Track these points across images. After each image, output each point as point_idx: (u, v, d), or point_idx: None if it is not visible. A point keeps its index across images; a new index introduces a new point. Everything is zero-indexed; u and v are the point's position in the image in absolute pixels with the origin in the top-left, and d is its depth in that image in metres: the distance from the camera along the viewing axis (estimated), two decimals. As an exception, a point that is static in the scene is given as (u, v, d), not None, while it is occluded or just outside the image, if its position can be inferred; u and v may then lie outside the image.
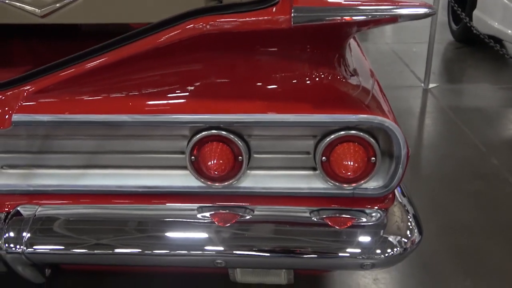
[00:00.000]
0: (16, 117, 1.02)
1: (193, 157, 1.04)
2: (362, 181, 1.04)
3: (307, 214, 1.08)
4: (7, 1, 1.51)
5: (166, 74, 1.02)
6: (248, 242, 1.05)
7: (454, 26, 4.67)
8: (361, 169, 1.02)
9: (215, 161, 1.01)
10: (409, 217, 1.10)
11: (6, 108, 1.03)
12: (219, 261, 1.03)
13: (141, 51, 0.95)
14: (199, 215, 1.07)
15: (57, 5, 1.47)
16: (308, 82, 1.04)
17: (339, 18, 0.89)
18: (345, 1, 0.94)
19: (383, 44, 4.76)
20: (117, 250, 1.05)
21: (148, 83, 1.03)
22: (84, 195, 1.12)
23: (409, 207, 1.13)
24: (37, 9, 1.53)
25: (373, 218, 1.07)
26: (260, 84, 1.04)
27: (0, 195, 1.12)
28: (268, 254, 1.04)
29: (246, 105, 1.01)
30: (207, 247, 1.04)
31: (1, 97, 1.04)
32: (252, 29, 0.93)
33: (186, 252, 1.04)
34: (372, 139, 1.01)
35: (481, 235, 1.95)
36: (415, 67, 3.95)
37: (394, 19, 0.90)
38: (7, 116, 1.02)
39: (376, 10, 0.89)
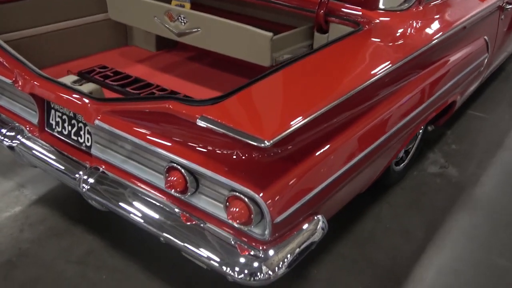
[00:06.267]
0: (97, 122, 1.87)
1: (166, 172, 1.71)
2: (247, 227, 1.57)
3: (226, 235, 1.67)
4: (163, 23, 2.41)
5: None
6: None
7: None
8: (243, 218, 1.54)
9: (170, 180, 1.68)
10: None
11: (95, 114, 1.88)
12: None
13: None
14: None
15: (187, 31, 2.33)
16: (234, 156, 1.59)
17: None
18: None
19: None
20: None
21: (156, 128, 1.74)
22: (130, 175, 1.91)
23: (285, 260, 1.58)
24: (175, 30, 2.39)
25: (252, 251, 1.59)
26: (204, 146, 1.64)
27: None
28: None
29: (189, 153, 1.63)
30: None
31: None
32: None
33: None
34: (251, 204, 1.51)
35: None
36: None
37: None
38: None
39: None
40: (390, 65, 1.96)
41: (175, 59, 2.98)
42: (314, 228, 1.72)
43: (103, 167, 1.96)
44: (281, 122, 1.49)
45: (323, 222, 1.75)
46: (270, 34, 2.13)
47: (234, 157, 1.59)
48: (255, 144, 1.36)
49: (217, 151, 1.62)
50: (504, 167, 3.19)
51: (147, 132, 1.75)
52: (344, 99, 1.68)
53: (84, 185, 1.94)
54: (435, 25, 2.48)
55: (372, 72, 1.88)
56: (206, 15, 2.30)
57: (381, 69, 1.91)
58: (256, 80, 1.70)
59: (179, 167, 1.66)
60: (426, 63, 2.36)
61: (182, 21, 2.36)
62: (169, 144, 1.70)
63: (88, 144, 2.01)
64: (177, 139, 1.69)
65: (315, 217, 1.73)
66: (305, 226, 1.69)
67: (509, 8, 3.34)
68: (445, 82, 2.54)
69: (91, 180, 1.94)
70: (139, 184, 1.86)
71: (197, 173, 1.65)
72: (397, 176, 2.88)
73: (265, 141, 1.36)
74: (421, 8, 2.47)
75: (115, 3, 2.68)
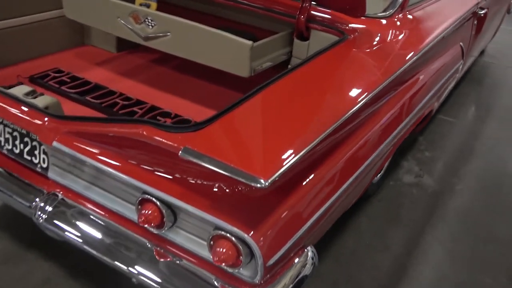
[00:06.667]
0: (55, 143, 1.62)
1: (138, 205, 1.50)
2: (235, 269, 1.38)
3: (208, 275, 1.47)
4: (127, 25, 2.16)
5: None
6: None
7: None
8: (230, 261, 1.35)
9: (143, 213, 1.46)
10: None
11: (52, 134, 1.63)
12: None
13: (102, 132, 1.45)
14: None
15: (153, 35, 2.09)
16: (215, 189, 1.39)
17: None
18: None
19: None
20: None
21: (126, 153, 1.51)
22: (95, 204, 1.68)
23: None
24: (141, 34, 2.15)
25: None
26: (182, 175, 1.43)
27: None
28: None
29: (165, 183, 1.42)
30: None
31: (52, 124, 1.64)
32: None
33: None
34: (240, 244, 1.33)
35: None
36: None
37: None
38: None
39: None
40: (382, 80, 1.81)
41: (139, 61, 2.73)
42: (304, 260, 1.56)
43: (62, 193, 1.72)
44: (276, 157, 1.30)
45: (312, 252, 1.59)
46: (249, 42, 1.93)
47: (216, 189, 1.40)
48: (251, 184, 1.17)
49: (198, 182, 1.42)
50: (477, 174, 3.15)
51: (116, 157, 1.53)
52: (340, 123, 1.51)
53: (40, 213, 1.69)
54: (420, 34, 2.35)
55: (364, 91, 1.72)
56: (177, 18, 2.07)
57: (372, 87, 1.76)
58: (241, 102, 1.51)
59: (153, 199, 1.45)
60: (410, 74, 2.24)
61: (150, 23, 2.12)
62: (141, 172, 1.48)
63: (44, 166, 1.75)
64: (151, 167, 1.48)
65: (305, 249, 1.57)
66: (296, 260, 1.53)
67: (481, 13, 3.29)
68: (427, 92, 2.44)
69: (48, 208, 1.69)
70: (106, 215, 1.63)
71: (175, 207, 1.44)
72: (375, 187, 2.77)
73: (262, 181, 1.18)
74: (401, 15, 2.33)
75: (72, 0, 2.40)
